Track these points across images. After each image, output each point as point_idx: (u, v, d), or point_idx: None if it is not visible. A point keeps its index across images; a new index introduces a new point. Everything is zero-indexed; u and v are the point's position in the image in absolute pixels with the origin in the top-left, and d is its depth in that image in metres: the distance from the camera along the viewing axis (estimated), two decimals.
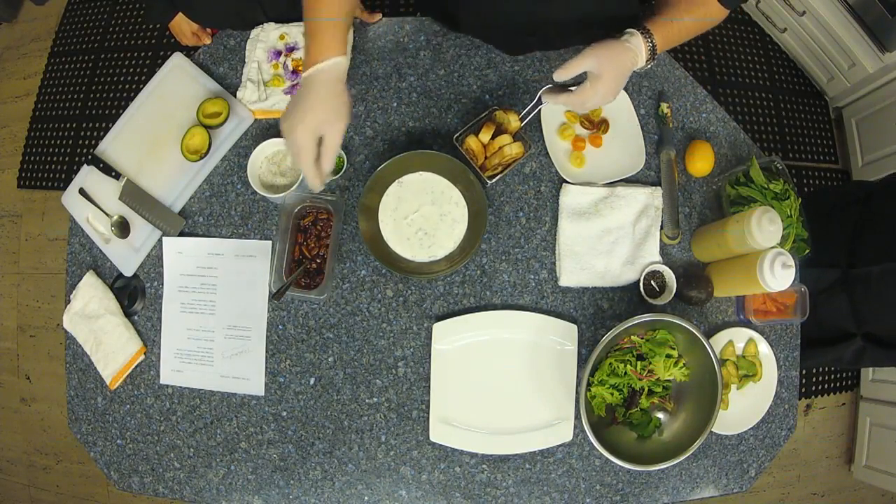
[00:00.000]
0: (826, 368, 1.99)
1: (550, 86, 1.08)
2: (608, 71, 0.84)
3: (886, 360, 1.25)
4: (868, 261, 1.16)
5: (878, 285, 1.14)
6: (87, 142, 2.06)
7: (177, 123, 1.10)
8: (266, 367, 1.04)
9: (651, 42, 0.87)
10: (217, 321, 1.06)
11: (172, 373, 1.06)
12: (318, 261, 1.02)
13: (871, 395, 1.87)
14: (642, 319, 0.91)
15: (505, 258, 1.06)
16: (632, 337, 0.99)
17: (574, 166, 1.08)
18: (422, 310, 1.04)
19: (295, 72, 1.11)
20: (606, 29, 0.90)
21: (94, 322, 1.06)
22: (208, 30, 1.21)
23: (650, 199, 1.06)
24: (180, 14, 1.18)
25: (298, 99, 0.81)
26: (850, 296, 1.19)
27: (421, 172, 1.03)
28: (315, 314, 1.05)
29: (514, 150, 1.01)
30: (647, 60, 0.88)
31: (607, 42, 0.86)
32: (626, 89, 1.10)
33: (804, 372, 1.95)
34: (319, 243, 1.02)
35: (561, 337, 1.03)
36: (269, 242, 1.06)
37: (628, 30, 0.87)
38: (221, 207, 1.09)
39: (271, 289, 1.00)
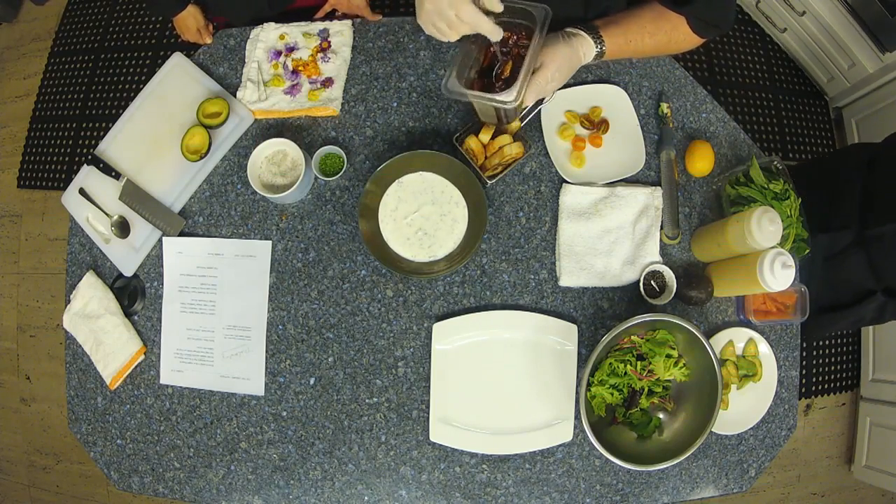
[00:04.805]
0: (826, 368, 1.98)
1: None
2: (550, 63, 0.85)
3: None
4: (880, 222, 1.15)
5: (893, 241, 1.13)
6: (87, 142, 2.06)
7: (177, 123, 1.10)
8: (266, 367, 1.04)
9: (601, 47, 0.89)
10: (217, 321, 1.06)
11: (172, 373, 1.06)
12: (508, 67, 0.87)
13: (871, 395, 1.87)
14: (642, 319, 0.91)
15: (505, 258, 1.06)
16: (632, 337, 0.99)
17: (574, 166, 1.08)
18: (422, 310, 1.04)
19: (295, 72, 1.11)
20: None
21: (94, 322, 1.06)
22: (211, 28, 1.21)
23: (650, 199, 1.06)
24: (187, 9, 1.17)
25: None
26: (868, 253, 1.18)
27: (421, 172, 1.03)
28: (315, 314, 1.05)
29: (514, 150, 1.01)
30: (594, 57, 0.90)
31: (552, 38, 0.87)
32: (625, 89, 1.11)
33: (804, 371, 1.96)
34: (517, 53, 0.87)
35: (561, 337, 1.03)
36: (269, 242, 1.06)
37: (572, 30, 0.89)
38: (221, 207, 1.09)
39: (447, 86, 0.82)
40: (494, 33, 0.77)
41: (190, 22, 1.18)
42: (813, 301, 1.07)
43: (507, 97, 0.80)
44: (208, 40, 1.18)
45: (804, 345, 1.11)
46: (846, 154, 1.44)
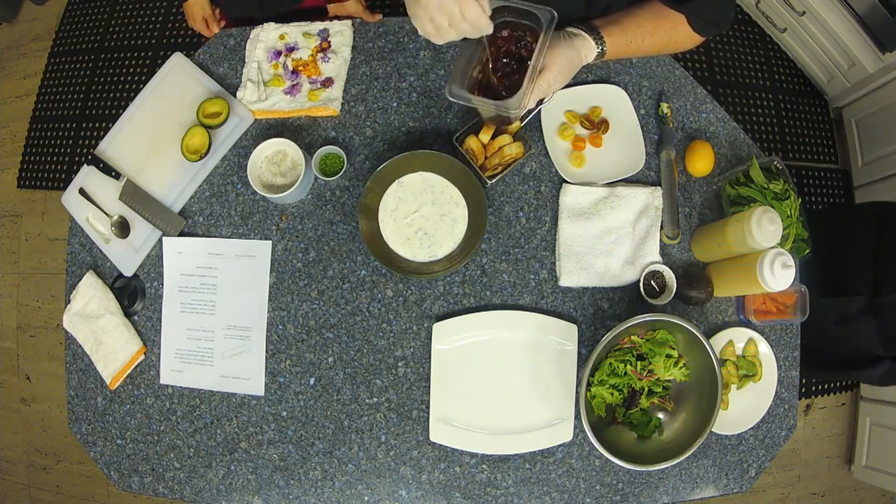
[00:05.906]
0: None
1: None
2: (552, 65, 0.84)
3: None
4: (891, 289, 1.16)
5: None
6: (87, 142, 2.06)
7: (177, 123, 1.10)
8: (266, 367, 1.04)
9: (602, 48, 0.88)
10: (217, 321, 1.06)
11: (172, 373, 1.06)
12: (508, 76, 0.85)
13: (871, 395, 1.87)
14: (642, 319, 0.91)
15: (505, 258, 1.06)
16: (632, 337, 0.99)
17: (574, 166, 1.08)
18: (422, 310, 1.04)
19: (295, 72, 1.11)
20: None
21: (94, 322, 1.06)
22: (220, 20, 1.20)
23: (650, 199, 1.06)
24: None
25: None
26: (878, 321, 1.20)
27: (421, 172, 1.03)
28: (315, 314, 1.05)
29: (514, 150, 1.01)
30: (595, 58, 0.89)
31: (553, 38, 0.86)
32: (625, 89, 1.10)
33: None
34: (518, 57, 0.85)
35: (561, 337, 1.03)
36: (270, 242, 1.06)
37: (574, 30, 0.88)
38: (221, 207, 1.09)
39: (451, 90, 0.80)
40: (489, 28, 0.74)
41: (196, 10, 1.18)
42: (824, 356, 1.08)
43: (513, 105, 0.78)
44: (215, 29, 1.17)
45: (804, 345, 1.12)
46: (857, 212, 1.44)
